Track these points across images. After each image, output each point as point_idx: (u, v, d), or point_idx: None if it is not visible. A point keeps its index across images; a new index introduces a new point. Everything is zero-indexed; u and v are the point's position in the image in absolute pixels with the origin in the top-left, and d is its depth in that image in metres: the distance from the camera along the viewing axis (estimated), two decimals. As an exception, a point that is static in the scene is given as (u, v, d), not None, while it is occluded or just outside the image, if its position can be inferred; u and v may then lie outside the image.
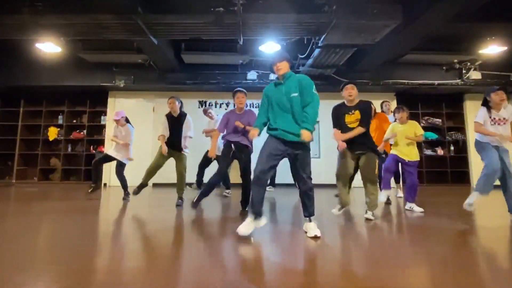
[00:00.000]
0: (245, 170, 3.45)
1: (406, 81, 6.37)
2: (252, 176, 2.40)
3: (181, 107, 4.04)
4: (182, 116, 4.00)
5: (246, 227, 2.33)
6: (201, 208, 3.67)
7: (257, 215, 2.36)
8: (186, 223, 2.90)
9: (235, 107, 3.54)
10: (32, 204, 3.91)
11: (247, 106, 6.81)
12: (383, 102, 5.09)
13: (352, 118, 2.98)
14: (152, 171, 3.95)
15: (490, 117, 3.13)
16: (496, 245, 2.21)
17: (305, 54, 5.45)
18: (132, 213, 3.38)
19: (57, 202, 4.20)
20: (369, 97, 6.93)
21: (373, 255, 1.93)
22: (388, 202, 4.09)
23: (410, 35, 4.51)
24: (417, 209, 3.52)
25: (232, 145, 3.45)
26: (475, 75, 6.22)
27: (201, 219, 3.09)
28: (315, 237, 2.31)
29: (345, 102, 3.09)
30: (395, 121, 3.90)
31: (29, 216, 3.11)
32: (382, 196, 3.67)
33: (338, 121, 3.06)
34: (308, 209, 2.45)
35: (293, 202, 4.32)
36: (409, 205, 3.62)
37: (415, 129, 3.68)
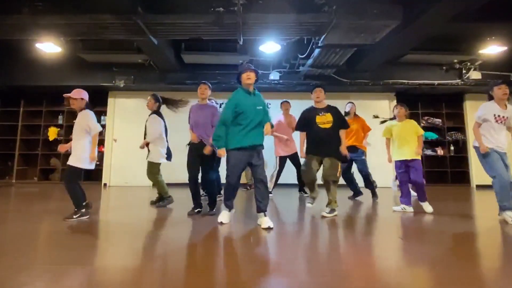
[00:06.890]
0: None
1: (406, 81, 6.35)
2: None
3: (158, 106, 4.04)
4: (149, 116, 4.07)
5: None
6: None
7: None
8: (181, 221, 2.89)
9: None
10: (32, 204, 3.90)
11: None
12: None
13: (323, 119, 3.17)
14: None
15: (494, 115, 2.93)
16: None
17: (305, 54, 5.44)
18: (132, 213, 3.38)
19: (57, 202, 4.20)
20: (369, 97, 6.99)
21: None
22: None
23: (410, 35, 4.49)
24: (430, 208, 3.42)
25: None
26: (475, 75, 6.20)
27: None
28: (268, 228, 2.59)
29: (314, 105, 3.32)
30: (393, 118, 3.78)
31: (29, 216, 3.11)
32: (397, 208, 3.57)
33: (308, 122, 3.23)
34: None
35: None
36: (422, 204, 3.50)
37: (415, 128, 3.54)
